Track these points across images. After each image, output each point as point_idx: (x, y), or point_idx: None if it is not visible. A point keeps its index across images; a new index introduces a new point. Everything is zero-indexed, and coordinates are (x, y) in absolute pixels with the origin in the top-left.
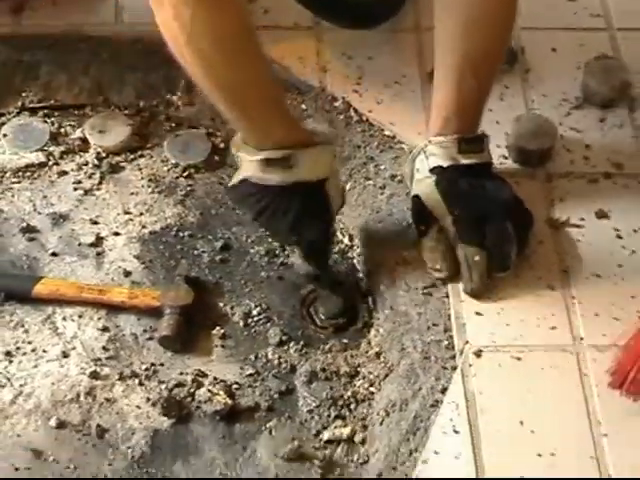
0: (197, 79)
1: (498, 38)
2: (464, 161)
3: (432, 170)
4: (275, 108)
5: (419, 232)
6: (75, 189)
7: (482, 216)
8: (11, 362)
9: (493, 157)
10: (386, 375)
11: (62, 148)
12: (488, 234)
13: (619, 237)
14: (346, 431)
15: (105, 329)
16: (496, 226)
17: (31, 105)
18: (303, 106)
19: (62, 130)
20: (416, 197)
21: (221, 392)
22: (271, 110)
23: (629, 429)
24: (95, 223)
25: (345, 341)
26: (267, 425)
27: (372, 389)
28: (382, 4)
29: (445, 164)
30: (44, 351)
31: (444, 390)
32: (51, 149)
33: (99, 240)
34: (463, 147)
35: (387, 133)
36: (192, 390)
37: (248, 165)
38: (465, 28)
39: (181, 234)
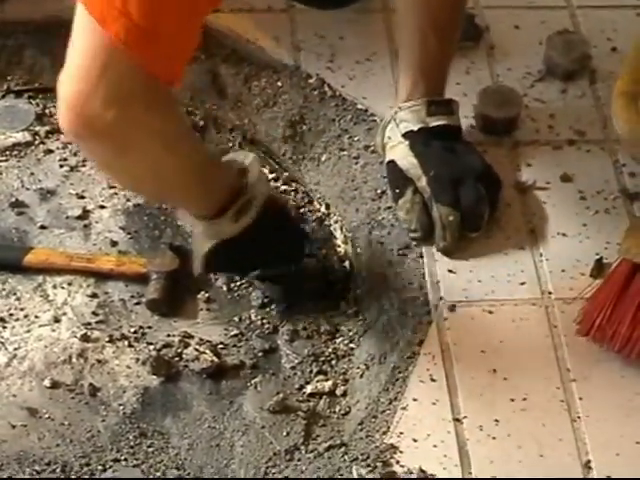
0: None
1: None
2: (434, 123)
3: (404, 135)
4: (216, 175)
5: (394, 195)
6: (61, 166)
7: (457, 178)
8: (5, 328)
9: (462, 127)
10: (365, 331)
11: (47, 128)
12: (462, 196)
13: (583, 199)
14: (328, 384)
15: (94, 295)
16: (470, 188)
17: (16, 88)
18: (279, 83)
19: (47, 111)
20: (391, 162)
21: (207, 351)
22: (215, 176)
23: (596, 374)
24: (81, 197)
25: (325, 302)
26: (252, 381)
27: (352, 345)
28: None
29: (416, 128)
30: (36, 317)
31: (421, 342)
32: (37, 129)
33: (86, 213)
34: (432, 109)
35: (360, 107)
36: (179, 350)
37: (221, 227)
38: None
39: (164, 206)
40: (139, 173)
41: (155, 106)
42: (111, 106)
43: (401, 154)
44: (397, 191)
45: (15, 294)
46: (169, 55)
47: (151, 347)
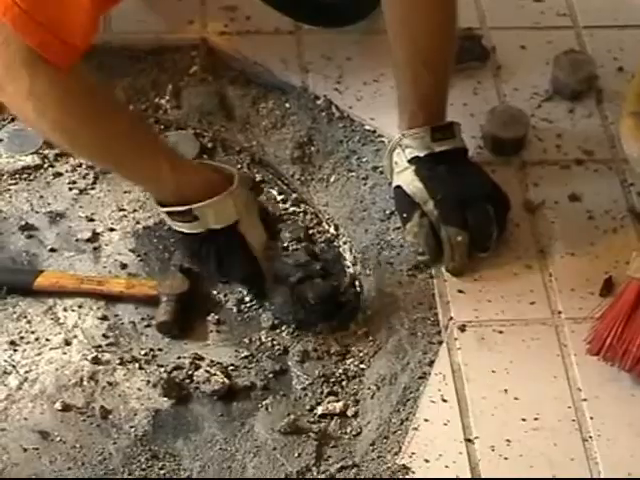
0: (68, 148)
1: (441, 27)
2: (439, 149)
3: (410, 161)
4: (156, 161)
5: (402, 220)
6: (70, 189)
7: (463, 199)
8: (16, 351)
9: (470, 148)
10: (375, 352)
11: (56, 151)
12: (470, 216)
13: (591, 218)
14: (339, 405)
15: (104, 318)
16: (477, 209)
17: None
18: (287, 105)
19: None
20: (398, 187)
21: (218, 373)
22: (151, 163)
23: (606, 393)
24: (91, 220)
25: (335, 323)
26: (263, 403)
27: (362, 366)
28: (352, 5)
29: (422, 154)
30: (47, 340)
31: (431, 363)
32: (46, 152)
33: (95, 236)
34: (436, 135)
35: (368, 127)
36: (190, 372)
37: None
38: (407, 22)
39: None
40: (18, 116)
41: (18, 66)
42: None
43: (407, 179)
44: (405, 216)
45: (26, 317)
46: (44, 33)
47: (162, 369)
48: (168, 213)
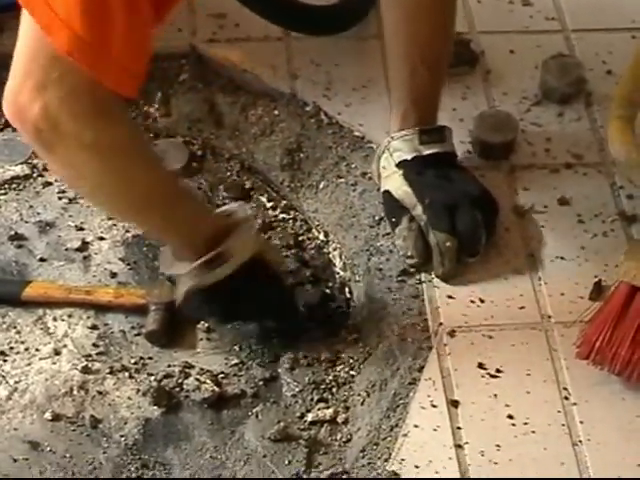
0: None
1: (442, 24)
2: (427, 151)
3: (398, 165)
4: (194, 207)
5: (391, 225)
6: (60, 198)
7: (452, 204)
8: (5, 361)
9: (458, 152)
10: (365, 358)
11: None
12: (458, 221)
13: (581, 222)
14: (329, 412)
15: (94, 327)
16: (466, 213)
17: None
18: (276, 112)
19: None
20: (386, 192)
21: (208, 381)
22: (190, 209)
23: (596, 397)
24: (80, 229)
25: (325, 330)
26: (253, 410)
27: (352, 372)
28: (346, 11)
29: (409, 157)
30: (37, 350)
31: (421, 369)
32: (35, 162)
33: (85, 245)
34: (424, 138)
35: (356, 134)
36: (180, 380)
37: (188, 277)
38: (408, 16)
39: None
40: (67, 176)
41: (86, 117)
42: (36, 100)
43: (395, 184)
44: (394, 220)
45: (15, 327)
46: (115, 66)
47: (152, 378)
48: (203, 264)
